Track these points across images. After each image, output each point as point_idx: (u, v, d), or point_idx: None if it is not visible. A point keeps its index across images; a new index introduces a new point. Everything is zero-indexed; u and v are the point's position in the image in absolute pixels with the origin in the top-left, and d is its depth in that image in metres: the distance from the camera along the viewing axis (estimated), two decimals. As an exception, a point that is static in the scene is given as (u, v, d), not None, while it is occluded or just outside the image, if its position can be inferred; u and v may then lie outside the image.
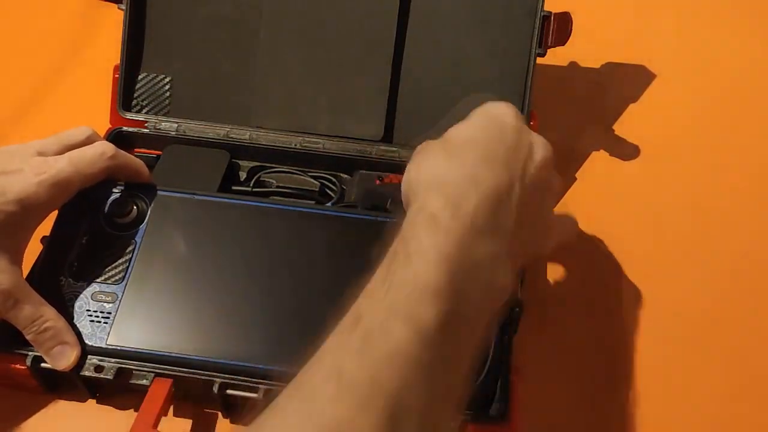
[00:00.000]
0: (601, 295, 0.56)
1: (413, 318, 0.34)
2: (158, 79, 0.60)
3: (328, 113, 0.59)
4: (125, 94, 0.60)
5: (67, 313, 0.47)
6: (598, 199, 0.63)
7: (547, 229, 0.44)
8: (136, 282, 0.49)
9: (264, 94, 0.59)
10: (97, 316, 0.48)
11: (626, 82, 0.71)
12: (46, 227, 0.50)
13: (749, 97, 0.70)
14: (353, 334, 0.35)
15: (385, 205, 0.55)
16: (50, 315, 0.46)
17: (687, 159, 0.66)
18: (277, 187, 0.58)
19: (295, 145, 0.58)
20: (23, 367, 0.46)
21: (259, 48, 0.59)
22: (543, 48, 0.56)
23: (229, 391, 0.46)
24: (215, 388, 0.46)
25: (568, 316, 0.55)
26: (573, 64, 0.72)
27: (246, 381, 0.46)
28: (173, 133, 0.59)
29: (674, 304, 0.56)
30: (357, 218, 0.51)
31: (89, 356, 0.47)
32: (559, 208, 0.61)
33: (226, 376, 0.46)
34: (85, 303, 0.48)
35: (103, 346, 0.47)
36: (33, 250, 0.49)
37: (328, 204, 0.56)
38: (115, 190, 0.52)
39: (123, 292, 0.48)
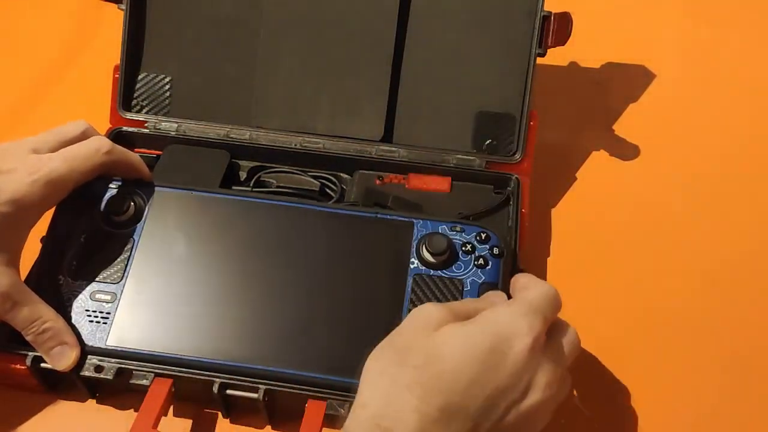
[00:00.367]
0: (600, 295, 0.56)
1: None
2: (158, 79, 0.60)
3: (328, 113, 0.59)
4: (125, 94, 0.60)
5: (66, 313, 0.47)
6: (598, 199, 0.63)
7: None
8: (135, 281, 0.48)
9: (264, 94, 0.59)
10: (96, 316, 0.47)
11: (626, 82, 0.71)
12: (46, 227, 0.50)
13: (749, 97, 0.70)
14: None
15: (385, 203, 0.55)
16: (49, 315, 0.46)
17: (687, 159, 0.66)
18: (277, 187, 0.58)
19: (295, 145, 0.58)
20: (23, 367, 0.46)
21: (259, 48, 0.59)
22: (543, 48, 0.56)
23: (229, 391, 0.46)
24: (215, 388, 0.45)
25: (564, 315, 0.55)
26: (573, 64, 0.72)
27: (246, 381, 0.46)
28: (173, 133, 0.59)
29: (674, 304, 0.56)
30: (357, 216, 0.51)
31: (89, 356, 0.47)
32: (559, 208, 0.62)
33: (226, 376, 0.46)
34: (84, 303, 0.48)
35: (103, 347, 0.47)
36: (34, 249, 0.49)
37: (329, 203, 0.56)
38: (112, 186, 0.51)
39: (121, 292, 0.48)
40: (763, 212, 0.62)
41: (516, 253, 0.53)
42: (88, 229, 0.50)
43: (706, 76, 0.72)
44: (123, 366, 0.46)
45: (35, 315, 0.46)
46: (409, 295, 0.47)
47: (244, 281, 0.48)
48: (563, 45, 0.56)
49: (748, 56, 0.74)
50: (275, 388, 0.46)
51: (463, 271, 0.49)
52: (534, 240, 0.57)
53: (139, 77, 0.60)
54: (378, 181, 0.57)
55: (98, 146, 0.49)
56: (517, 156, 0.57)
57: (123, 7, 0.58)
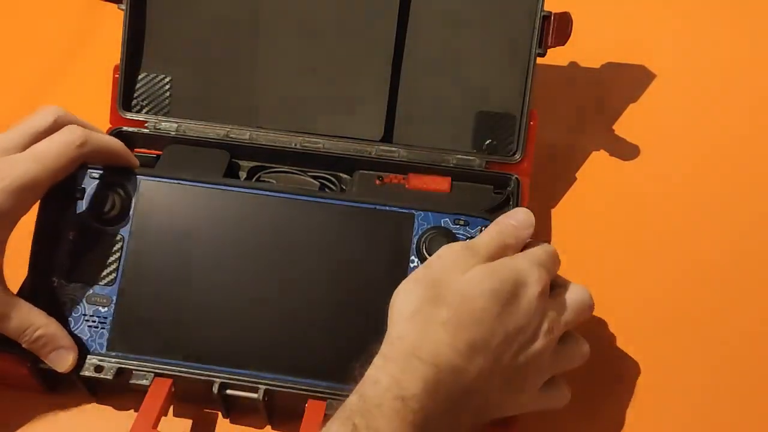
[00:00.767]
0: (600, 294, 0.56)
1: None
2: (158, 79, 0.60)
3: (328, 113, 0.59)
4: (125, 94, 0.59)
5: (64, 318, 0.47)
6: (598, 199, 0.63)
7: (530, 402, 0.45)
8: (128, 283, 0.47)
9: (264, 94, 0.59)
10: (94, 321, 0.47)
11: (626, 82, 0.71)
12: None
13: (749, 97, 0.70)
14: None
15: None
16: (40, 322, 0.45)
17: (687, 159, 0.66)
18: (277, 187, 0.58)
19: (295, 145, 0.58)
20: (23, 368, 0.46)
21: (259, 48, 0.59)
22: (543, 48, 0.56)
23: (229, 391, 0.46)
24: (215, 388, 0.45)
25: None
26: (573, 64, 0.72)
27: (246, 381, 0.46)
28: (173, 133, 0.59)
29: (674, 304, 0.56)
30: (355, 207, 0.48)
31: (89, 356, 0.47)
32: (559, 208, 0.62)
33: (226, 376, 0.46)
34: (81, 306, 0.47)
35: (103, 353, 0.47)
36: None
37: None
38: (95, 175, 0.48)
39: (117, 295, 0.47)
40: (764, 212, 0.62)
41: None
42: (75, 226, 0.48)
43: (706, 76, 0.72)
44: (123, 366, 0.46)
45: (25, 324, 0.45)
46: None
47: (238, 278, 0.47)
48: (563, 45, 0.56)
49: (748, 56, 0.74)
50: (275, 388, 0.46)
51: None
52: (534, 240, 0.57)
53: (139, 77, 0.60)
54: (378, 181, 0.57)
55: (70, 139, 0.45)
56: (517, 156, 0.57)
57: (123, 7, 0.58)
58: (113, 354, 0.47)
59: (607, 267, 0.58)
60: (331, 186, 0.58)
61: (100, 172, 0.48)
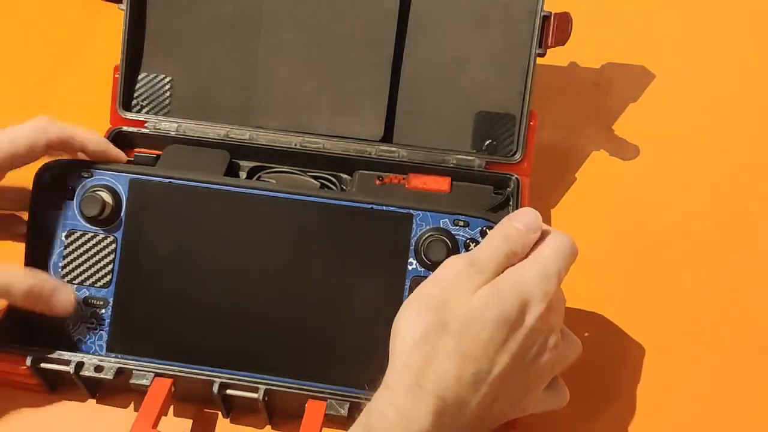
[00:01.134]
0: (600, 294, 0.56)
1: None
2: (158, 79, 0.60)
3: (328, 113, 0.59)
4: (125, 94, 0.59)
5: (61, 320, 0.47)
6: (598, 199, 0.63)
7: (531, 406, 0.44)
8: (124, 286, 0.47)
9: (264, 94, 0.59)
10: (92, 323, 0.47)
11: (626, 82, 0.71)
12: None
13: (749, 97, 0.70)
14: None
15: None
16: (24, 272, 0.45)
17: (687, 159, 0.66)
18: (277, 187, 0.58)
19: (295, 145, 0.58)
20: (23, 367, 0.46)
21: (259, 48, 0.59)
22: (543, 48, 0.56)
23: (229, 391, 0.46)
24: (215, 388, 0.45)
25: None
26: (573, 64, 0.72)
27: (246, 381, 0.46)
28: (173, 133, 0.59)
29: (674, 304, 0.56)
30: (352, 207, 0.47)
31: (89, 356, 0.46)
32: (559, 208, 0.62)
33: (226, 376, 0.46)
34: (79, 308, 0.47)
35: (103, 355, 0.47)
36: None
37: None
38: (84, 174, 0.47)
39: (113, 297, 0.47)
40: (764, 212, 0.62)
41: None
42: (67, 228, 0.47)
43: (706, 76, 0.72)
44: (123, 366, 0.46)
45: (10, 278, 0.44)
46: (406, 299, 0.45)
47: (238, 278, 0.47)
48: (563, 45, 0.56)
49: (748, 56, 0.74)
50: (275, 388, 0.46)
51: None
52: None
53: (139, 77, 0.60)
54: (378, 182, 0.57)
55: (29, 125, 0.45)
56: (517, 156, 0.57)
57: (123, 7, 0.58)
58: (113, 356, 0.47)
59: (607, 267, 0.58)
60: (331, 186, 0.58)
61: (91, 171, 0.48)
